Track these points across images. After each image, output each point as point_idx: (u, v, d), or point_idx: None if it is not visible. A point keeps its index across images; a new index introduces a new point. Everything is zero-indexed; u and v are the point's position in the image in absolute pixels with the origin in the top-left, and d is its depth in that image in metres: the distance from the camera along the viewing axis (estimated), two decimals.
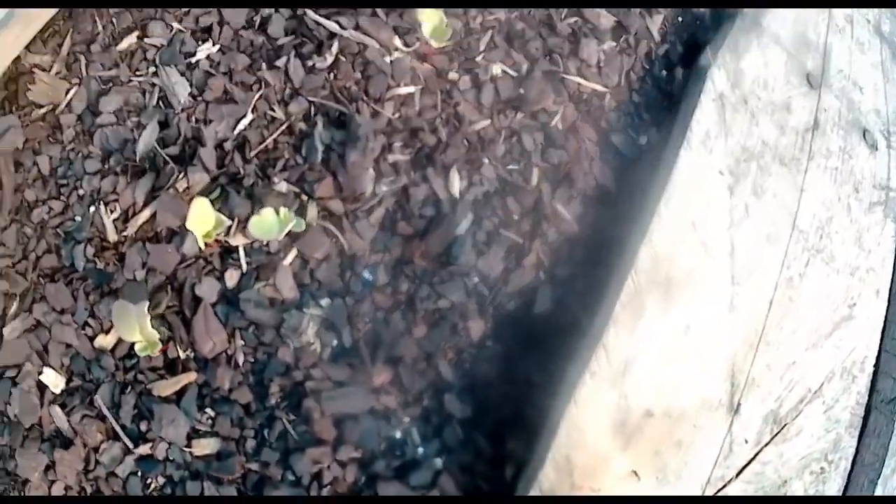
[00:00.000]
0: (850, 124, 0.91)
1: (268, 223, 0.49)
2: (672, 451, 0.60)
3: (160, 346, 0.57)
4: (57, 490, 0.61)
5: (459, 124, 0.60)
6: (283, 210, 0.53)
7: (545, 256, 0.60)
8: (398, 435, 0.53)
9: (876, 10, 1.07)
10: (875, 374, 0.76)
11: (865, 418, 0.73)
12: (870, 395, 0.74)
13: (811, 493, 0.68)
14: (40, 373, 0.62)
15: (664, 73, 0.77)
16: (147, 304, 0.51)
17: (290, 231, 0.54)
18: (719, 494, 0.64)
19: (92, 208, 0.58)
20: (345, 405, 0.57)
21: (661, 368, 0.56)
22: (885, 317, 0.80)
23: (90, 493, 0.59)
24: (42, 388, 0.62)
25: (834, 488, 0.70)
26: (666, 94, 0.70)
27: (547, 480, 0.56)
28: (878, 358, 0.77)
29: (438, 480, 0.57)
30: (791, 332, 0.70)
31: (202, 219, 0.49)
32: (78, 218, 0.58)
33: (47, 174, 0.64)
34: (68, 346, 0.62)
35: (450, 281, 0.55)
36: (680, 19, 0.80)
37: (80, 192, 0.58)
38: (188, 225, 0.50)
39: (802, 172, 0.80)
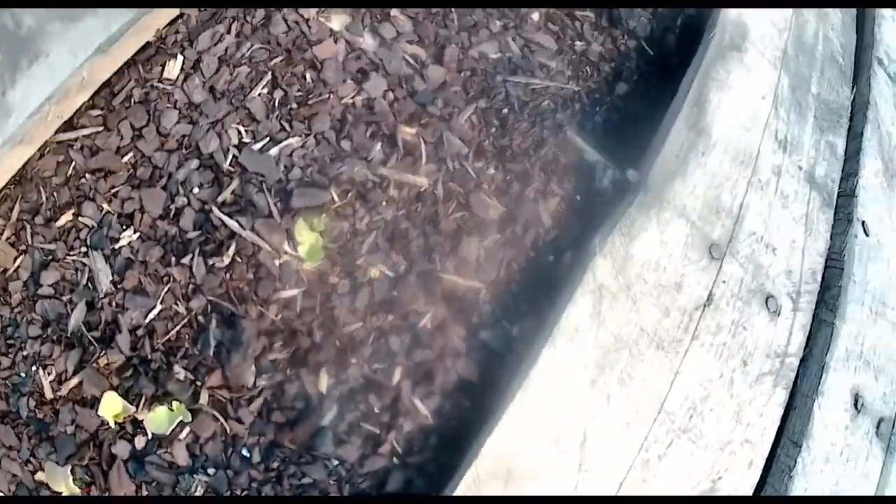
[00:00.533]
0: (752, 293, 0.96)
1: (160, 419, 0.68)
2: None
3: (79, 492, 0.78)
4: None
5: (333, 327, 0.76)
6: (175, 404, 0.72)
7: (399, 445, 0.76)
8: None
9: (814, 153, 1.10)
10: None
11: None
12: None
13: None
14: None
15: (551, 258, 0.88)
16: (70, 467, 0.70)
17: (174, 425, 0.73)
18: None
19: (34, 368, 0.81)
20: None
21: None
22: (762, 480, 0.92)
23: None
24: None
25: None
26: (549, 281, 0.80)
27: None
28: None
29: None
30: None
31: (111, 407, 0.69)
32: (23, 374, 0.79)
33: None
34: (14, 475, 0.82)
35: (313, 463, 0.75)
36: (578, 198, 0.89)
37: (25, 352, 0.80)
38: (100, 412, 0.70)
39: (681, 354, 0.89)
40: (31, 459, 0.80)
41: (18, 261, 0.83)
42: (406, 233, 0.78)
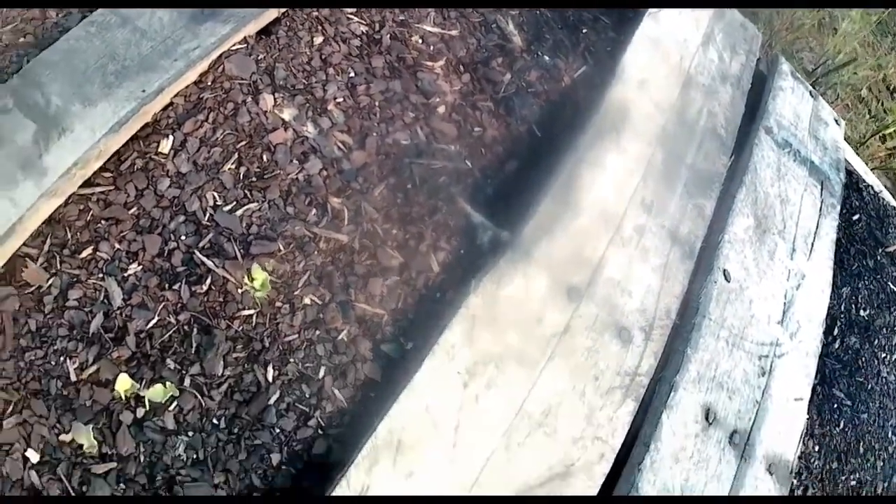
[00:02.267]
0: (606, 326, 1.54)
1: (158, 392, 1.27)
2: None
3: (97, 447, 1.39)
4: None
5: (278, 336, 1.38)
6: (168, 384, 1.35)
7: (323, 420, 1.39)
8: None
9: (679, 214, 1.76)
10: None
11: None
12: None
13: None
14: (25, 450, 1.45)
15: (438, 295, 1.52)
16: (91, 425, 1.38)
17: (167, 399, 1.36)
18: None
19: (62, 358, 1.43)
20: (196, 492, 1.39)
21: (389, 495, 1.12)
22: (619, 470, 1.33)
23: None
24: (25, 459, 1.45)
25: None
26: (436, 311, 1.40)
27: None
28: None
29: None
30: (503, 481, 1.27)
31: (123, 384, 1.29)
32: (53, 362, 1.43)
33: (35, 331, 1.43)
34: (43, 437, 1.42)
35: (262, 430, 1.38)
36: (462, 251, 1.54)
37: (55, 347, 1.40)
38: (116, 387, 1.33)
39: (539, 369, 1.32)
40: (57, 425, 1.41)
41: (50, 281, 1.42)
42: (330, 274, 1.41)
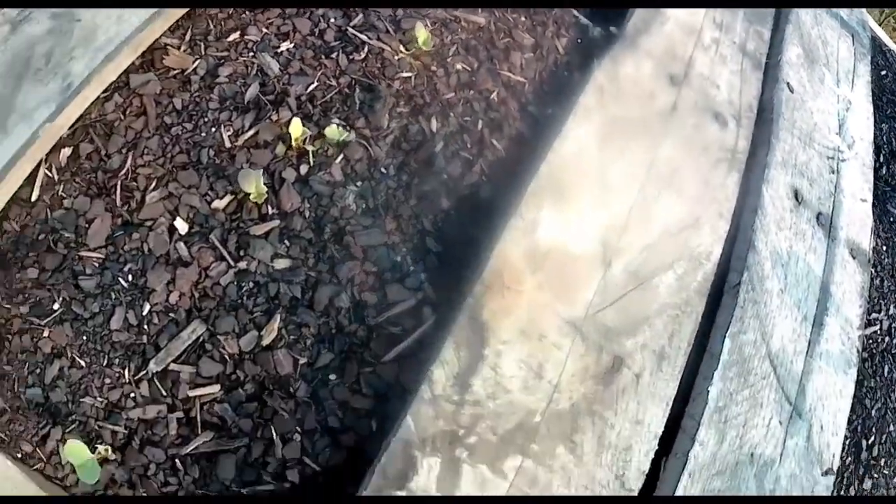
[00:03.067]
0: (705, 109, 1.70)
1: (334, 132, 1.20)
2: (564, 279, 1.09)
3: (265, 197, 1.37)
4: (173, 298, 1.33)
5: (436, 94, 1.45)
6: (340, 128, 1.40)
7: (485, 167, 1.42)
8: (399, 258, 1.30)
9: (744, 34, 2.15)
10: (724, 266, 1.27)
11: (713, 294, 1.26)
12: (720, 282, 1.29)
13: (669, 328, 1.15)
14: (171, 222, 1.38)
15: (566, 73, 1.75)
16: (261, 171, 1.16)
17: (340, 141, 1.41)
18: (598, 315, 1.47)
19: (213, 129, 1.42)
20: (369, 239, 1.29)
21: (555, 231, 1.08)
22: (736, 231, 1.29)
23: (197, 298, 1.33)
24: (171, 231, 1.34)
25: (688, 329, 1.13)
26: (566, 84, 1.67)
27: (488, 280, 1.27)
28: (729, 257, 1.25)
29: (423, 285, 1.38)
30: (646, 227, 1.21)
31: (297, 130, 1.19)
32: (203, 134, 1.37)
33: (180, 109, 1.38)
34: (192, 206, 1.29)
35: (430, 175, 1.42)
36: (579, 41, 1.79)
37: (205, 119, 1.33)
38: (290, 130, 1.14)
39: (660, 137, 1.62)
40: (209, 193, 1.36)
41: (195, 63, 1.39)
42: (475, 47, 1.51)
